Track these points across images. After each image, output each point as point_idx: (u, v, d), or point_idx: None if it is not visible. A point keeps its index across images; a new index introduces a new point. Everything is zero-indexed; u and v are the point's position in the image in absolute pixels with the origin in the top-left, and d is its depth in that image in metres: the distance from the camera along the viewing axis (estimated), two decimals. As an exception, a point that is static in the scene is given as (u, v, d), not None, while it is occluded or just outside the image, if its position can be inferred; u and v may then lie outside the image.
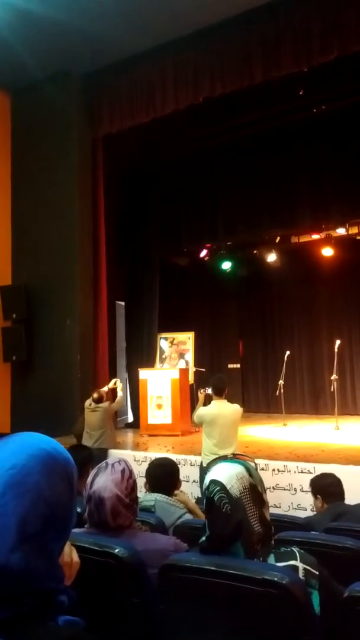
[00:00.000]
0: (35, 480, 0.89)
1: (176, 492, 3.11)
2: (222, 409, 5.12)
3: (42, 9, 6.86)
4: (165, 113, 8.02)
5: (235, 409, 5.21)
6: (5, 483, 0.87)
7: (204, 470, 4.82)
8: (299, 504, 5.23)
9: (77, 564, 1.06)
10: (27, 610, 0.84)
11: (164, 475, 3.04)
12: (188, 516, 2.88)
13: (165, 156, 10.19)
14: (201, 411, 5.26)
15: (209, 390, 5.36)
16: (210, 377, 6.40)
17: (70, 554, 1.03)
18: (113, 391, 7.04)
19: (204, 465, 5.01)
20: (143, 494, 2.90)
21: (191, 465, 5.95)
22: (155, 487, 2.96)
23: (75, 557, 1.05)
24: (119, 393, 6.99)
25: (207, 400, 5.42)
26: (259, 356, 12.06)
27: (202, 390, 5.66)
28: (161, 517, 2.63)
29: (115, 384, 7.02)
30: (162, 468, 3.10)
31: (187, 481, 5.73)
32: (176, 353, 10.66)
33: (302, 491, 5.18)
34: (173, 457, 6.10)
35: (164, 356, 10.65)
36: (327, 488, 3.45)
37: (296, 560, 1.52)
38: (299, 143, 9.34)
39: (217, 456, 4.57)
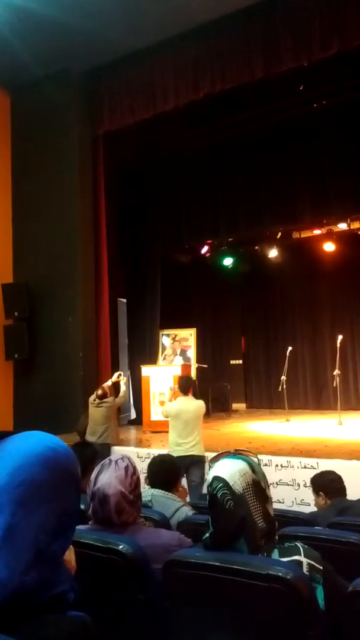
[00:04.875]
0: (45, 495, 0.88)
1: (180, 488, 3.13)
2: (185, 405, 5.61)
3: (42, 7, 6.84)
4: (165, 110, 8.01)
5: (199, 404, 5.66)
6: (15, 502, 0.86)
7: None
8: (303, 499, 5.23)
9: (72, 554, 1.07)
10: (35, 607, 0.84)
11: (163, 472, 3.05)
12: (185, 509, 2.89)
13: (166, 153, 10.17)
14: (166, 407, 6.21)
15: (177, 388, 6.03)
16: (212, 373, 6.65)
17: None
18: (116, 385, 7.03)
19: None
20: (143, 490, 2.91)
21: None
22: (155, 483, 2.97)
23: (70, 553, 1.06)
24: (122, 387, 6.97)
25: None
26: (261, 352, 12.06)
27: (171, 387, 6.31)
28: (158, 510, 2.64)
29: (118, 377, 7.00)
30: (163, 465, 3.11)
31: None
32: (171, 349, 10.64)
33: (306, 486, 5.19)
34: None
35: (165, 353, 10.64)
36: (329, 484, 3.46)
37: (300, 555, 1.51)
38: (300, 138, 9.32)
39: (180, 447, 5.21)
